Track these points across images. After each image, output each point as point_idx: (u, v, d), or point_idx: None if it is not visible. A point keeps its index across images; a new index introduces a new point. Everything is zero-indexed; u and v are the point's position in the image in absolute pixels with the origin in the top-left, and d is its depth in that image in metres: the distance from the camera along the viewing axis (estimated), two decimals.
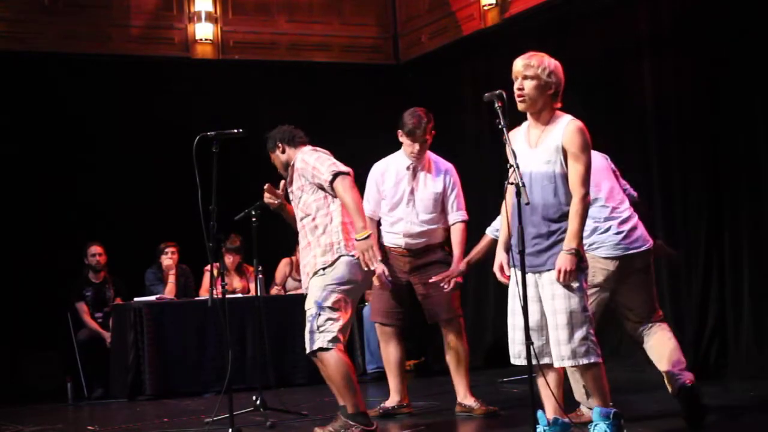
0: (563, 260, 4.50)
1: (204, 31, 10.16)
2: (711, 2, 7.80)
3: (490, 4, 9.53)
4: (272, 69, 10.55)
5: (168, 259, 9.23)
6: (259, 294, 7.52)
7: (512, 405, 6.56)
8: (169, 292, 9.11)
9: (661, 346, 5.42)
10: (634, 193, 5.71)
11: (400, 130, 6.36)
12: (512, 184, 4.51)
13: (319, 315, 5.32)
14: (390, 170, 6.44)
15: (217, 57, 10.27)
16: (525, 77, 4.65)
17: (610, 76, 8.79)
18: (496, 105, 4.69)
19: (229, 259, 9.22)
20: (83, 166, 9.76)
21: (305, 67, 10.64)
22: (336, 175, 5.36)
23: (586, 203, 4.56)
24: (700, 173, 7.87)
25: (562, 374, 4.78)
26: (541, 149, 4.65)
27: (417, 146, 6.33)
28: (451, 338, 6.39)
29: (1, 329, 9.20)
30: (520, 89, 4.65)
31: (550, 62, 4.71)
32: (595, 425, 4.59)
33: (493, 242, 5.73)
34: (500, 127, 4.68)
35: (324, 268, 5.38)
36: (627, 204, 5.54)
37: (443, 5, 10.31)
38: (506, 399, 6.96)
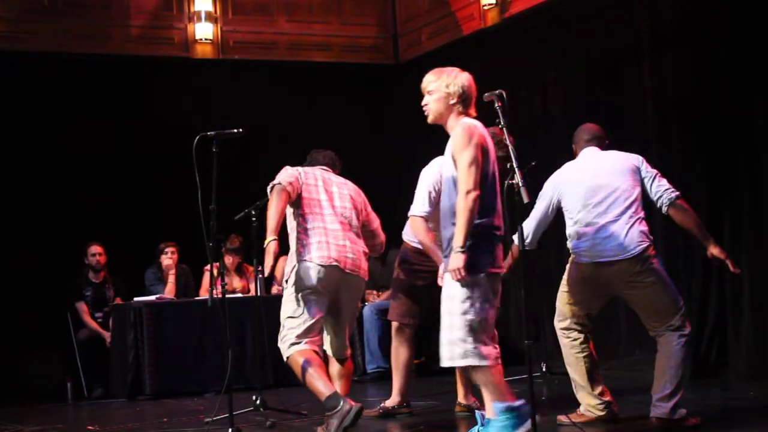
0: (451, 260, 4.56)
1: (204, 31, 10.15)
2: (711, 1, 7.80)
3: (490, 4, 9.52)
4: (272, 69, 10.55)
5: (168, 259, 9.22)
6: (258, 294, 7.52)
7: None
8: (169, 291, 9.11)
9: (657, 364, 5.38)
10: (672, 196, 5.46)
11: None
12: (512, 183, 4.54)
13: (283, 327, 5.61)
14: None
15: (217, 57, 10.26)
16: (428, 92, 4.83)
17: (610, 75, 8.80)
18: (496, 105, 4.74)
19: (228, 260, 9.22)
20: (83, 166, 9.77)
21: (305, 67, 10.65)
22: (272, 187, 5.61)
23: (468, 201, 4.54)
24: (700, 173, 7.87)
25: (496, 370, 4.74)
26: (446, 157, 4.80)
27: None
28: None
29: (2, 329, 9.20)
30: (425, 104, 4.83)
31: (450, 75, 4.81)
32: (489, 421, 4.65)
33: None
34: (500, 127, 4.71)
35: (287, 280, 5.65)
36: (620, 210, 5.41)
37: (443, 5, 10.30)
38: None
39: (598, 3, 8.80)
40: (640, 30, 8.54)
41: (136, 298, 8.75)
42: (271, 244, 5.44)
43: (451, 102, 4.78)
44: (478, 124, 4.76)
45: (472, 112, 4.82)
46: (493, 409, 4.65)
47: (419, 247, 6.35)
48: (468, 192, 4.55)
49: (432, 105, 4.82)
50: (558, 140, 9.10)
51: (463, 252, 4.51)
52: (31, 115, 9.68)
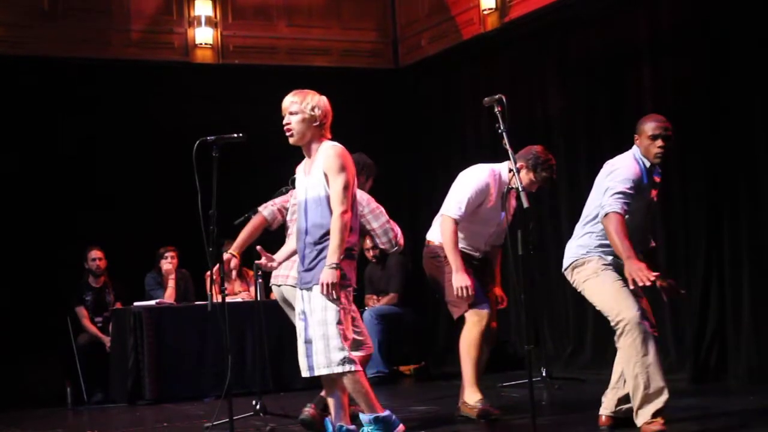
0: (324, 274, 4.84)
1: (204, 36, 10.15)
2: (711, 7, 7.81)
3: (489, 9, 9.52)
4: (272, 73, 10.54)
5: (168, 263, 9.22)
6: (259, 298, 7.52)
7: (512, 410, 6.55)
8: (169, 296, 9.10)
9: None
10: (601, 213, 5.24)
11: (524, 164, 6.04)
12: (512, 188, 4.56)
13: None
14: (494, 190, 6.13)
15: (217, 61, 10.26)
16: (291, 113, 5.04)
17: (610, 80, 8.80)
18: (496, 110, 4.79)
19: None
20: (83, 171, 9.76)
21: (305, 72, 10.62)
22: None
23: (343, 220, 4.85)
24: (700, 178, 7.87)
25: (342, 383, 5.03)
26: (311, 176, 5.03)
27: (536, 188, 6.20)
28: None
29: (1, 333, 9.18)
30: (287, 124, 5.04)
31: (314, 98, 5.06)
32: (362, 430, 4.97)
33: None
34: (500, 131, 4.76)
35: None
36: (581, 221, 5.49)
37: (443, 10, 10.31)
38: (506, 404, 6.95)
39: (597, 8, 8.80)
40: (639, 35, 8.55)
41: (135, 303, 8.74)
42: (224, 255, 5.85)
43: (315, 124, 5.02)
44: (343, 147, 5.04)
45: (329, 133, 5.11)
46: (362, 419, 4.96)
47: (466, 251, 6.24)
48: (344, 212, 4.87)
49: (296, 126, 5.02)
50: (558, 145, 9.11)
51: (336, 268, 4.81)
52: (31, 120, 9.67)
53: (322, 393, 6.03)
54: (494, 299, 6.36)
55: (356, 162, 6.17)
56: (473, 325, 6.10)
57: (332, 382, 5.03)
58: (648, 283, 4.97)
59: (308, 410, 6.04)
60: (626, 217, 5.20)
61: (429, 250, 6.33)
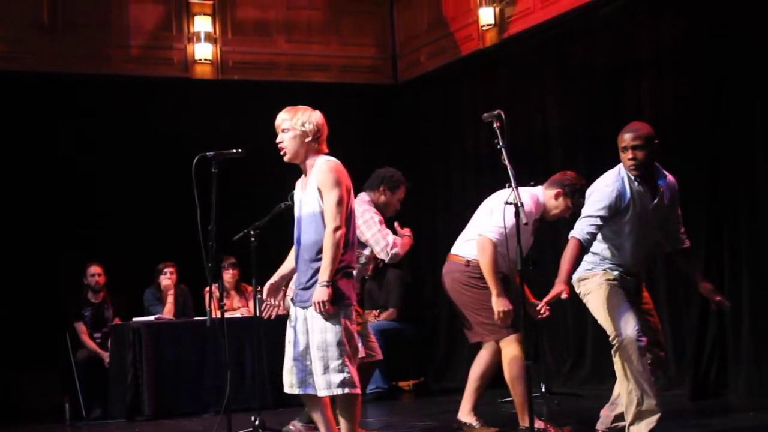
0: (316, 293, 4.78)
1: (203, 52, 10.18)
2: (711, 20, 7.82)
3: (488, 25, 9.55)
4: (271, 89, 10.56)
5: (166, 279, 9.21)
6: (258, 314, 7.50)
7: (511, 426, 6.52)
8: (168, 312, 9.09)
9: None
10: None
11: (561, 190, 6.05)
12: (510, 204, 4.57)
13: None
14: (534, 217, 6.08)
15: (216, 77, 10.28)
16: (282, 130, 5.00)
17: (610, 94, 8.81)
18: (495, 125, 4.79)
19: (228, 274, 9.20)
20: (82, 186, 9.77)
21: (304, 87, 10.64)
22: None
23: (335, 236, 4.78)
24: (699, 189, 7.86)
25: (327, 401, 5.02)
26: (306, 192, 4.97)
27: (570, 213, 6.15)
28: (496, 355, 6.23)
29: (0, 349, 9.17)
30: (279, 142, 5.00)
31: (305, 113, 5.02)
32: None
33: None
34: (499, 147, 4.76)
35: None
36: None
37: (442, 25, 10.34)
38: (505, 420, 6.93)
39: (596, 23, 8.83)
40: (639, 50, 8.57)
41: (134, 318, 8.73)
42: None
43: (308, 140, 4.96)
44: (338, 162, 4.98)
45: (325, 148, 5.04)
46: None
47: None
48: (337, 229, 4.79)
49: (288, 143, 4.97)
50: (558, 159, 9.12)
51: (328, 286, 4.75)
52: (30, 136, 9.68)
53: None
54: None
55: (377, 176, 6.23)
56: (519, 352, 6.06)
57: (315, 399, 4.99)
58: (543, 314, 5.22)
59: (295, 423, 6.06)
60: (618, 234, 5.33)
61: (472, 269, 6.15)
